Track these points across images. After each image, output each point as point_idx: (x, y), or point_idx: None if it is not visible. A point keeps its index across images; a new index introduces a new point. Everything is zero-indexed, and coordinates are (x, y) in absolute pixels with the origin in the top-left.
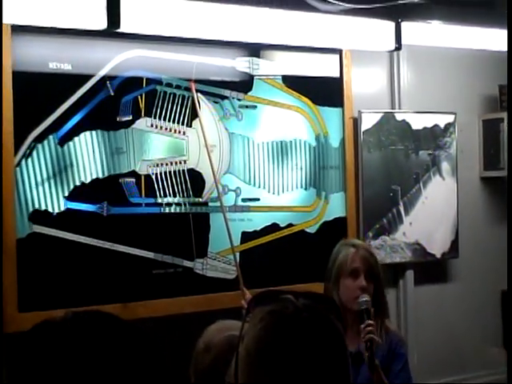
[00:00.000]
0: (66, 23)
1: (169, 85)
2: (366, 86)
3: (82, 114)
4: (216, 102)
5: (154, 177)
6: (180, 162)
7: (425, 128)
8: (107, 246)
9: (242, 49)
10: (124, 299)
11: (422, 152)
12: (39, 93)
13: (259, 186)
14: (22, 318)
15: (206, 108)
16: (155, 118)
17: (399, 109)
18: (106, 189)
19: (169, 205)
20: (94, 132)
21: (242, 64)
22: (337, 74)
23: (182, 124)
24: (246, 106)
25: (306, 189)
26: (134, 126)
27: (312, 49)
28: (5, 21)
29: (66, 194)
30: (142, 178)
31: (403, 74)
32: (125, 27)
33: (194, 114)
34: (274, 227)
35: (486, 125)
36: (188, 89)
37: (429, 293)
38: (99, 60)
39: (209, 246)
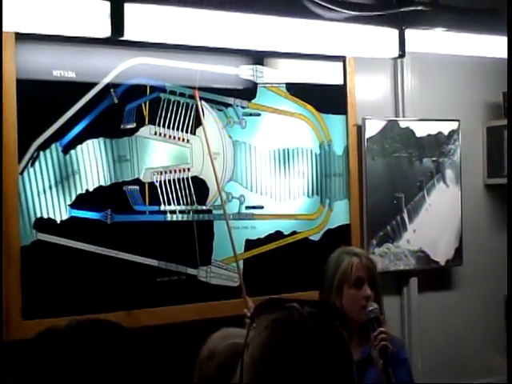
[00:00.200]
0: (69, 31)
1: (172, 92)
2: (369, 94)
3: (85, 122)
4: (220, 110)
5: (157, 184)
6: (184, 170)
7: (429, 135)
8: (111, 253)
9: (245, 56)
10: (128, 307)
11: (425, 159)
12: (43, 101)
13: (263, 194)
14: (26, 326)
15: (209, 116)
16: (159, 125)
17: (403, 116)
18: (109, 197)
19: (173, 212)
20: (97, 140)
21: (245, 72)
22: (340, 82)
23: (186, 132)
24: (250, 114)
25: (309, 196)
26: (137, 133)
27: (316, 56)
28: (9, 29)
29: (70, 201)
30: (146, 185)
31: (407, 81)
32: (129, 35)
33: (198, 122)
34: (277, 235)
35: (489, 132)
36: (192, 96)
37: (433, 300)
38: (103, 68)
39: (213, 254)
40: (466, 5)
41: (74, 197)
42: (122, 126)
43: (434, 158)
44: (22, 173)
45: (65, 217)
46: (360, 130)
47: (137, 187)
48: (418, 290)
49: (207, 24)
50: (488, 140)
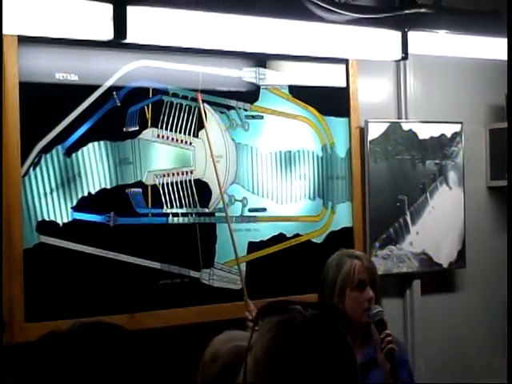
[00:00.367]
0: (72, 34)
1: (175, 95)
2: (372, 96)
3: (88, 125)
4: (222, 113)
5: (160, 187)
6: (186, 173)
7: (431, 137)
8: (114, 256)
9: (248, 59)
10: (131, 309)
11: (428, 161)
12: (46, 103)
13: (266, 196)
14: (29, 328)
15: (212, 118)
16: (162, 128)
17: (406, 118)
18: (112, 199)
19: (175, 215)
20: (100, 142)
21: (248, 74)
22: (343, 84)
23: (189, 134)
24: (253, 116)
25: (312, 199)
26: (140, 136)
27: (318, 59)
28: (11, 32)
29: (73, 204)
30: (149, 188)
31: (410, 83)
32: (131, 38)
33: (201, 125)
34: (280, 237)
35: (492, 134)
36: (194, 99)
37: (436, 303)
38: (106, 70)
39: (215, 256)
40: (469, 7)
41: (76, 199)
42: (124, 129)
43: (436, 161)
44: (24, 175)
45: (67, 219)
46: (363, 132)
47: (139, 190)
48: (421, 293)
49: (209, 26)
50: (491, 142)
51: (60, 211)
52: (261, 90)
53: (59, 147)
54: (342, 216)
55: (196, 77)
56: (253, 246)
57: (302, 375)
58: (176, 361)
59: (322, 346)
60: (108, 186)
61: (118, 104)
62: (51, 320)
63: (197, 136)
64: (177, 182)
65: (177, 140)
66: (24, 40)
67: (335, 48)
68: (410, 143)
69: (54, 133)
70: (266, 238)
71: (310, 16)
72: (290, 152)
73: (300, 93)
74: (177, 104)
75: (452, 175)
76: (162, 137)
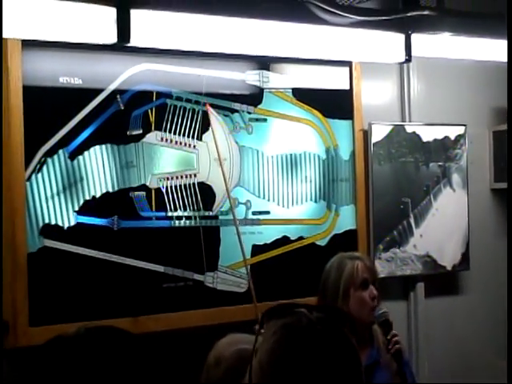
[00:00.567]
0: (76, 38)
1: (179, 98)
2: (375, 98)
3: (92, 129)
4: (226, 116)
5: (164, 190)
6: (190, 176)
7: (435, 140)
8: (118, 259)
9: (251, 62)
10: (134, 313)
11: (432, 164)
12: (50, 107)
13: (269, 199)
14: (33, 332)
15: (216, 121)
16: (165, 131)
17: (409, 121)
18: (116, 203)
19: (179, 218)
20: (104, 146)
21: (251, 77)
22: (347, 87)
23: (192, 137)
24: (256, 119)
25: (316, 201)
26: (144, 139)
27: (322, 61)
28: (15, 35)
29: (77, 208)
30: (153, 191)
31: (413, 85)
32: (135, 41)
33: (204, 128)
34: (284, 240)
35: (496, 136)
36: (198, 102)
37: (440, 305)
38: (109, 74)
39: (219, 260)
40: (472, 9)
41: (80, 203)
42: (128, 132)
43: (440, 163)
44: (28, 179)
45: (71, 223)
46: (366, 134)
47: (143, 193)
48: (425, 295)
49: (213, 30)
50: (494, 144)
51: (64, 215)
52: (264, 93)
53: (63, 151)
54: (346, 218)
55: (200, 80)
56: (257, 249)
57: (307, 378)
58: (180, 364)
59: (327, 349)
60: (112, 190)
61: (122, 107)
62: (55, 324)
63: (200, 139)
64: (180, 186)
65: (180, 143)
66: (28, 44)
67: (339, 50)
68: (414, 145)
69: (57, 136)
70: (269, 241)
71: (314, 19)
72: (294, 155)
73: (304, 95)
74: (180, 107)
75: (456, 177)
76: (166, 140)
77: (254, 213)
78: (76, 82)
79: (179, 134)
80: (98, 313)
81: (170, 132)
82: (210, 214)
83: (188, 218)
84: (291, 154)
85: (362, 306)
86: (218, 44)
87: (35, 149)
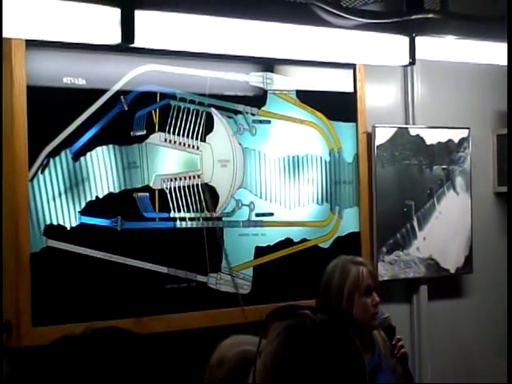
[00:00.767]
0: (80, 38)
1: (182, 99)
2: (379, 101)
3: (96, 129)
4: (230, 117)
5: (167, 191)
6: (194, 177)
7: (439, 143)
8: (121, 260)
9: (255, 63)
10: (137, 314)
11: (435, 167)
12: (53, 107)
13: (273, 201)
14: (36, 332)
15: (219, 123)
16: (169, 132)
17: (413, 123)
18: (119, 203)
19: (182, 219)
20: (107, 147)
21: (255, 79)
22: (351, 89)
23: (196, 139)
24: (260, 121)
25: (319, 204)
26: (147, 140)
27: (326, 64)
28: (19, 35)
29: (80, 208)
30: (156, 192)
31: (417, 88)
32: (139, 42)
33: (208, 129)
34: (287, 242)
35: (500, 140)
36: (201, 103)
37: (443, 308)
38: (113, 75)
39: (222, 261)
40: (476, 13)
41: (84, 203)
42: (132, 133)
43: (444, 166)
44: (32, 179)
45: (75, 223)
46: (370, 137)
47: (147, 194)
48: (428, 298)
49: (217, 31)
50: (498, 148)
51: (67, 215)
52: (268, 95)
53: (67, 151)
54: (349, 221)
55: (204, 81)
56: (260, 251)
57: (310, 380)
58: (183, 365)
59: (331, 351)
60: (115, 190)
61: (126, 108)
62: (58, 324)
63: (204, 140)
64: (184, 187)
65: (184, 144)
66: (32, 44)
67: (343, 53)
68: (418, 148)
69: (61, 137)
70: (272, 243)
71: (318, 21)
72: (298, 157)
73: (307, 98)
74: (184, 108)
75: (459, 181)
76: (170, 141)
77: (257, 214)
78: (80, 82)
79: (183, 135)
80: (101, 313)
81: (173, 133)
82: (214, 215)
83: (191, 219)
84: (295, 156)
85: (365, 311)
86: (222, 45)
87: (39, 149)
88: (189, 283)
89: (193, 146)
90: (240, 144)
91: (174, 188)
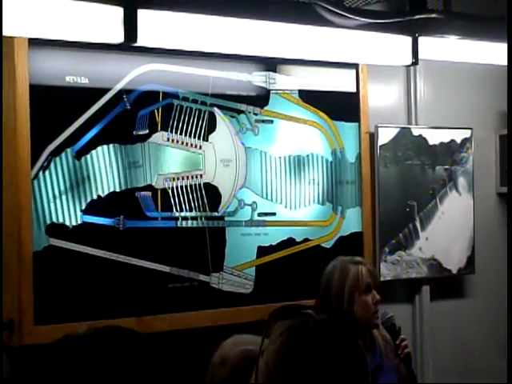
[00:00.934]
0: (83, 37)
1: (185, 99)
2: (382, 101)
3: (98, 128)
4: (232, 117)
5: (170, 191)
6: (196, 176)
7: (441, 143)
8: (123, 259)
9: (258, 63)
10: (139, 313)
11: (438, 167)
12: (56, 106)
13: (275, 201)
14: (38, 331)
15: (222, 122)
16: (171, 132)
17: (416, 124)
18: (122, 202)
19: (185, 219)
20: (110, 146)
21: (258, 78)
22: (353, 89)
23: (199, 138)
24: (263, 121)
25: (322, 203)
26: (150, 139)
27: (328, 63)
28: (21, 34)
29: (83, 207)
30: (159, 191)
31: (420, 88)
32: (142, 41)
33: (210, 128)
34: (290, 242)
35: (502, 140)
36: (204, 103)
37: (445, 308)
38: (116, 74)
39: (225, 261)
40: (479, 12)
41: (86, 202)
42: (134, 132)
43: (446, 166)
44: (34, 178)
45: (77, 222)
46: (373, 137)
47: (149, 193)
48: (430, 298)
49: (220, 30)
50: (501, 148)
51: (69, 214)
52: (271, 95)
53: (69, 150)
54: (352, 221)
55: (206, 81)
56: (262, 251)
57: (313, 380)
58: (185, 364)
59: (333, 350)
60: (118, 190)
61: (128, 107)
62: (60, 323)
63: (207, 140)
64: (186, 186)
65: (186, 144)
66: (34, 43)
67: (345, 53)
68: (420, 149)
69: (63, 136)
70: (275, 243)
71: (321, 21)
72: (300, 156)
73: (310, 97)
74: (187, 108)
75: (462, 181)
76: (172, 140)
77: (259, 214)
78: (82, 81)
79: (185, 135)
80: (103, 312)
81: (176, 132)
82: (216, 214)
83: (194, 218)
84: (297, 156)
85: (365, 310)
86: (225, 45)
87: (41, 148)
88: (191, 282)
89: (195, 146)
90: (243, 144)
91: (177, 187)
